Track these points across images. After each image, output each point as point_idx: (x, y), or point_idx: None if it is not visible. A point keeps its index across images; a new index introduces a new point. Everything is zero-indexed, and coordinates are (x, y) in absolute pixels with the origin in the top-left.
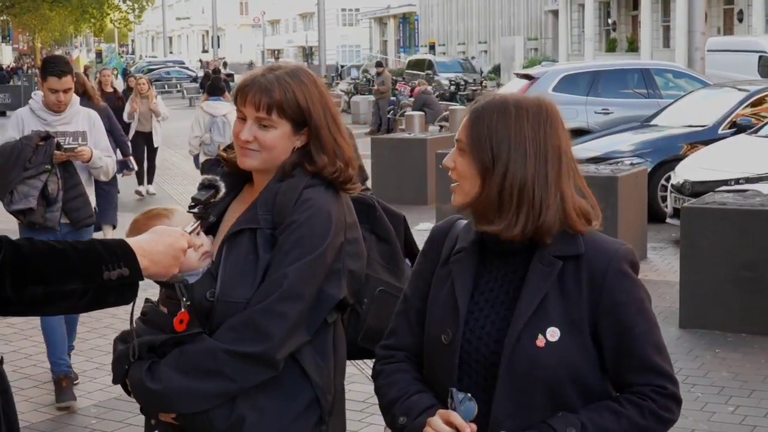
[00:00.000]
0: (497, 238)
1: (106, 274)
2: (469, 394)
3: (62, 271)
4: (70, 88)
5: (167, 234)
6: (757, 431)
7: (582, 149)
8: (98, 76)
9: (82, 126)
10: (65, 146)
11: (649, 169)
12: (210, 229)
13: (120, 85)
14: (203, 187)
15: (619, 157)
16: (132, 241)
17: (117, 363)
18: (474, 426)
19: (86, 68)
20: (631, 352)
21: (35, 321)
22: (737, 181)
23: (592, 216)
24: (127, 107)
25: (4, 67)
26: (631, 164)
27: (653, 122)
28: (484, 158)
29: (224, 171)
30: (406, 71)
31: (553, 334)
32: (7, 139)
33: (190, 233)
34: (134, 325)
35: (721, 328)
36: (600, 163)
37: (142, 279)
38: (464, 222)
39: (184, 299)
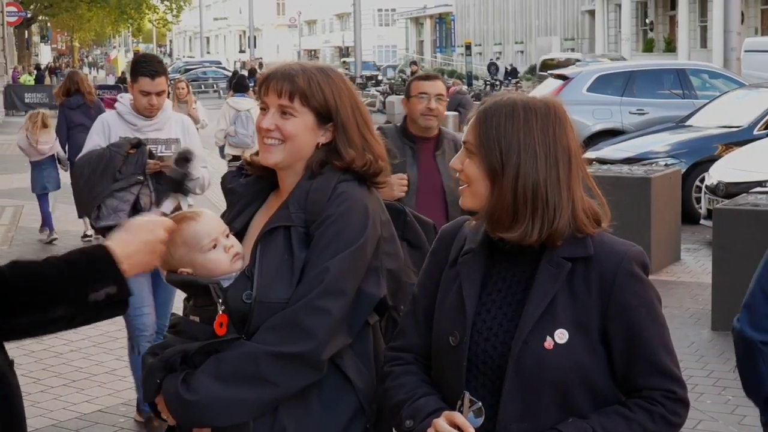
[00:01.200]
0: (496, 237)
1: (92, 296)
2: (480, 403)
3: (47, 300)
4: (163, 91)
5: (142, 229)
6: None
7: (616, 150)
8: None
9: (175, 132)
10: (158, 155)
11: (684, 170)
12: (237, 237)
13: None
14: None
15: (654, 158)
16: (111, 246)
17: (149, 377)
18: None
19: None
20: (641, 355)
21: None
22: None
23: (602, 217)
24: None
25: (42, 66)
26: (666, 165)
27: (688, 123)
28: (493, 160)
29: (247, 182)
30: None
31: (561, 336)
32: (92, 146)
33: (166, 215)
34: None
35: None
36: (634, 164)
37: (132, 294)
38: (471, 223)
39: (219, 303)
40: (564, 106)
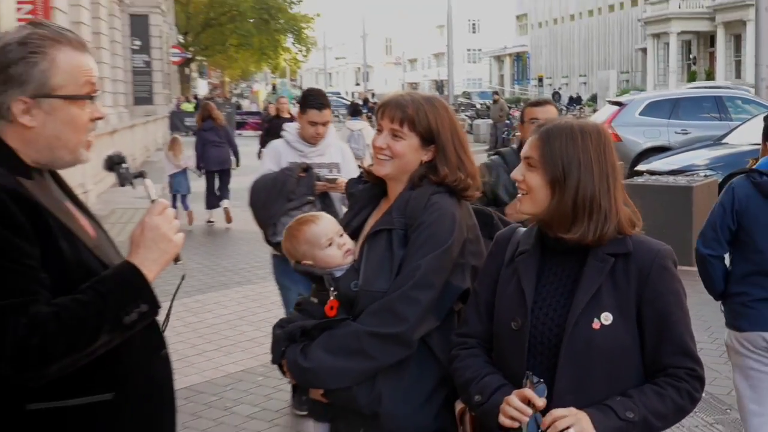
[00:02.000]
0: (556, 240)
1: (127, 319)
2: (543, 381)
3: (90, 334)
4: (328, 121)
5: (159, 238)
6: None
7: (664, 163)
8: (277, 103)
9: (336, 157)
10: (324, 177)
11: (720, 180)
12: (354, 234)
13: (294, 110)
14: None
15: (695, 170)
16: (137, 263)
17: (275, 345)
18: (545, 401)
19: (279, 100)
20: (669, 337)
21: (209, 291)
22: None
23: (636, 221)
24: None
25: (199, 96)
26: (705, 176)
27: (724, 141)
28: (556, 173)
29: (364, 188)
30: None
31: (606, 318)
32: (266, 170)
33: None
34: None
35: None
36: (678, 175)
37: (160, 307)
38: (523, 229)
39: (332, 289)
40: (608, 131)
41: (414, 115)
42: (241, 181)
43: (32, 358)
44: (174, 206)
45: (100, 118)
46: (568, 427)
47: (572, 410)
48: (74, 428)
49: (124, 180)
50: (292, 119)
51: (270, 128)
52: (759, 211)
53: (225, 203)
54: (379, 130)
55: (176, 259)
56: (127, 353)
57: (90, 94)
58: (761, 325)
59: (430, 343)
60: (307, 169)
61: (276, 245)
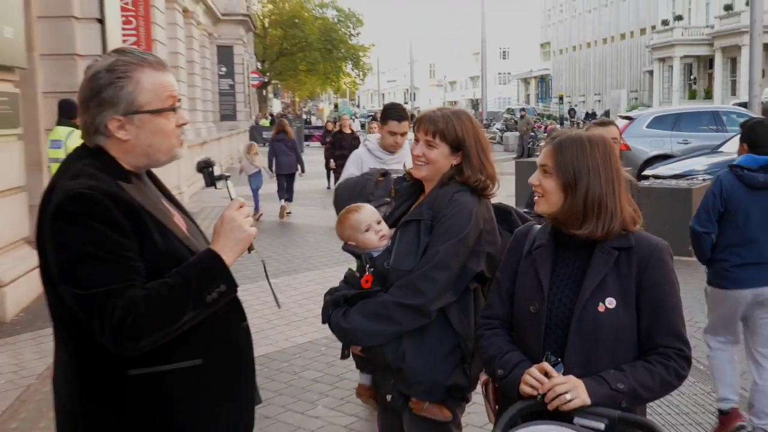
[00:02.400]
0: (568, 236)
1: (209, 297)
2: (559, 359)
3: (176, 313)
4: (406, 132)
5: (236, 228)
6: None
7: (667, 169)
8: (339, 120)
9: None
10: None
11: None
12: (397, 222)
13: (356, 126)
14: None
15: (695, 175)
16: (217, 251)
17: (324, 309)
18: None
19: (342, 117)
20: (662, 320)
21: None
22: None
23: (637, 219)
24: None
25: (274, 113)
26: (703, 180)
27: (720, 149)
28: (568, 179)
29: (407, 185)
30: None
31: (610, 302)
32: (349, 174)
33: (233, 199)
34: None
35: None
36: (680, 179)
37: (237, 286)
38: (538, 227)
39: (368, 266)
40: (611, 141)
41: (444, 128)
42: (306, 184)
43: (127, 334)
44: (255, 200)
45: (184, 124)
46: (566, 392)
47: (571, 378)
48: (169, 389)
49: (210, 181)
50: (352, 133)
51: (334, 141)
52: (741, 198)
53: (283, 203)
54: (416, 141)
55: (250, 248)
56: (213, 325)
57: (172, 105)
58: (738, 284)
59: (448, 314)
60: (385, 174)
61: None
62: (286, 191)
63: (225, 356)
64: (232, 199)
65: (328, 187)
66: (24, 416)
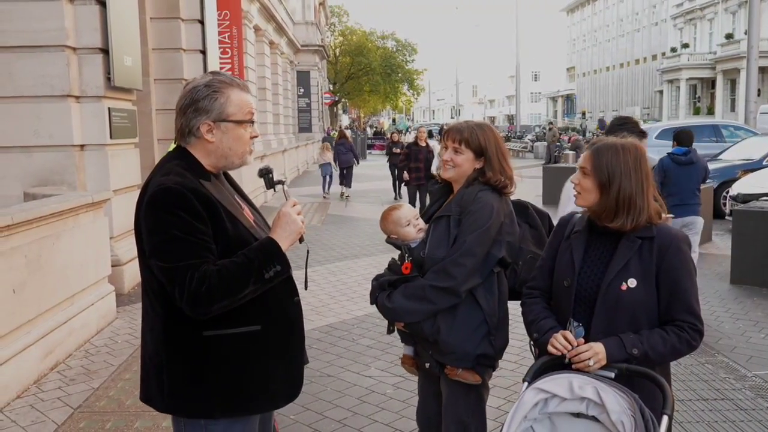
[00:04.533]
0: (602, 227)
1: (267, 275)
2: (581, 324)
3: (240, 285)
4: None
5: (290, 221)
6: None
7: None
8: (418, 133)
9: None
10: None
11: (716, 186)
12: (429, 219)
13: (410, 138)
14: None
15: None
16: (275, 237)
17: (372, 293)
18: (582, 341)
19: (419, 130)
20: (678, 299)
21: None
22: None
23: (661, 213)
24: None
25: (343, 126)
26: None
27: (720, 157)
28: (603, 179)
29: (439, 187)
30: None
31: (632, 282)
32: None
33: (293, 204)
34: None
35: (759, 285)
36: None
37: (290, 268)
38: (578, 215)
39: (407, 255)
40: (642, 147)
41: (468, 137)
42: (370, 185)
43: (201, 301)
44: (324, 186)
45: (256, 137)
46: (589, 358)
47: (593, 345)
48: (234, 348)
49: (270, 184)
50: (427, 146)
51: (409, 153)
52: (673, 172)
53: (346, 190)
54: (445, 148)
55: (301, 239)
56: (270, 298)
57: (251, 120)
58: (674, 215)
59: (476, 294)
60: None
61: None
62: (345, 178)
63: (279, 324)
64: (287, 199)
65: (395, 198)
66: (135, 369)
